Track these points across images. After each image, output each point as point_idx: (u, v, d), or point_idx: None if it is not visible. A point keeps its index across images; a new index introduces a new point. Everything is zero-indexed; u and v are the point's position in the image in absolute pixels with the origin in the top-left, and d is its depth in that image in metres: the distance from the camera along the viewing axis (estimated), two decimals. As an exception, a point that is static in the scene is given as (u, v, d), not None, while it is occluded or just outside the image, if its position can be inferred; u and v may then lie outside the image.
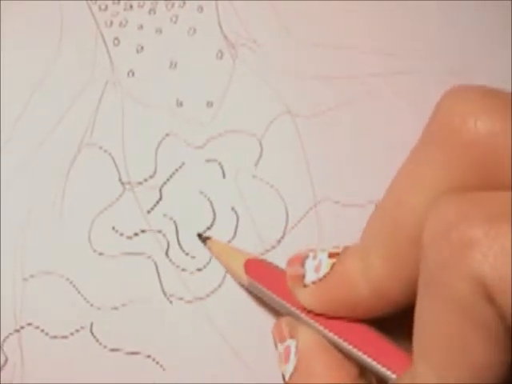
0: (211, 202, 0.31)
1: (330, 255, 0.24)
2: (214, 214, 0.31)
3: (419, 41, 0.33)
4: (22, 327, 0.30)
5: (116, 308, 0.30)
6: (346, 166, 0.31)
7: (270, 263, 0.28)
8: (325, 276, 0.24)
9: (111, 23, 0.32)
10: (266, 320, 0.30)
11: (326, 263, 0.24)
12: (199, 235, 0.31)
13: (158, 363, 0.30)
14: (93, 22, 0.32)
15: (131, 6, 0.32)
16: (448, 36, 0.33)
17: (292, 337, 0.25)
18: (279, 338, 0.26)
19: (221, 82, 0.32)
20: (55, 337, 0.30)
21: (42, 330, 0.30)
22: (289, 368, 0.25)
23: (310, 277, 0.24)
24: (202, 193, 0.31)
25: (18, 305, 0.30)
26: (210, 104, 0.32)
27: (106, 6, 0.32)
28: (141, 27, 0.32)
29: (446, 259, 0.18)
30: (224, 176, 0.31)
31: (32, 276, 0.30)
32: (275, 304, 0.27)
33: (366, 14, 0.33)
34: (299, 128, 0.32)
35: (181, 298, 0.30)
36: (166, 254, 0.30)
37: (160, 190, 0.31)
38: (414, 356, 0.20)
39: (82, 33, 0.32)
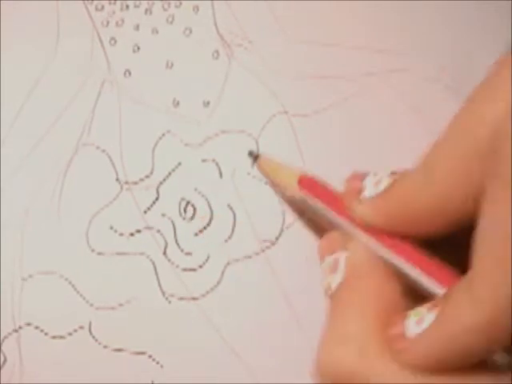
0: (208, 201, 0.31)
1: (392, 174, 0.25)
2: (212, 213, 0.31)
3: (414, 39, 0.33)
4: (21, 327, 0.30)
5: (114, 307, 0.30)
6: (341, 164, 0.32)
7: (323, 182, 0.29)
8: (385, 189, 0.24)
9: (107, 23, 0.32)
10: (266, 319, 0.30)
11: (387, 180, 0.24)
12: (250, 153, 0.31)
13: (156, 362, 0.30)
14: (89, 21, 0.32)
15: (127, 6, 0.32)
16: (443, 33, 0.33)
17: (342, 248, 0.25)
18: (329, 249, 0.26)
19: (217, 82, 0.32)
20: (54, 336, 0.30)
21: (41, 330, 0.30)
22: (336, 278, 0.25)
23: (370, 191, 0.25)
24: (199, 192, 0.31)
25: (16, 305, 0.30)
26: (206, 104, 0.32)
27: (103, 6, 0.32)
28: (137, 27, 0.32)
29: None
30: (221, 175, 0.31)
31: (30, 276, 0.30)
32: (327, 220, 0.27)
33: (361, 13, 0.33)
34: (295, 127, 0.32)
35: (179, 297, 0.30)
36: (164, 252, 0.31)
37: (157, 190, 0.31)
38: (473, 260, 0.20)
39: (79, 33, 0.32)
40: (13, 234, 0.30)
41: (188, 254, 0.31)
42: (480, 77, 0.33)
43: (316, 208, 0.27)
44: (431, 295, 0.23)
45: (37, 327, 0.30)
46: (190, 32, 0.33)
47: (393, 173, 0.25)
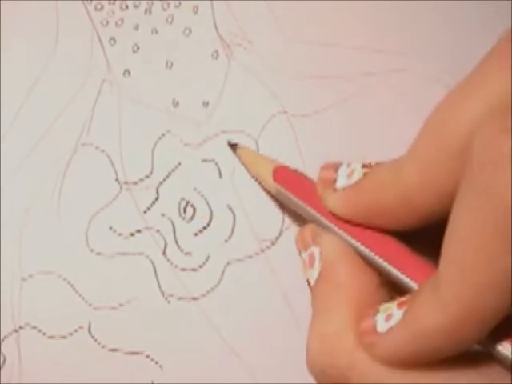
0: (208, 202, 0.31)
1: (364, 166, 0.25)
2: (211, 213, 0.31)
3: (414, 39, 0.33)
4: (21, 327, 0.30)
5: (114, 308, 0.30)
6: (341, 164, 0.32)
7: (299, 172, 0.28)
8: (356, 181, 0.24)
9: (107, 23, 0.32)
10: (265, 319, 0.30)
11: (359, 171, 0.24)
12: (228, 142, 0.31)
13: (156, 362, 0.30)
14: (89, 21, 0.32)
15: (127, 6, 0.32)
16: (443, 33, 0.33)
17: (316, 243, 0.25)
18: (303, 245, 0.26)
19: (216, 82, 0.32)
20: (53, 337, 0.30)
21: (40, 330, 0.30)
22: (314, 274, 0.25)
23: (342, 182, 0.25)
24: (198, 192, 0.31)
25: (16, 305, 0.30)
26: (206, 104, 0.32)
27: (102, 6, 0.32)
28: (137, 27, 0.32)
29: (495, 162, 0.18)
30: (220, 175, 0.31)
31: (30, 276, 0.30)
32: (301, 211, 0.27)
33: (361, 13, 0.33)
34: (295, 127, 0.32)
35: (178, 297, 0.30)
36: (164, 253, 0.31)
37: (157, 190, 0.31)
38: (440, 261, 0.20)
39: (78, 32, 0.32)
40: (12, 234, 0.30)
41: (188, 254, 0.31)
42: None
43: (291, 200, 0.27)
44: (404, 288, 0.23)
45: (36, 327, 0.30)
46: (190, 32, 0.33)
47: (366, 165, 0.25)
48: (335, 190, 0.25)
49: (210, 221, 0.31)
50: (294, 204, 0.27)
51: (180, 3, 0.33)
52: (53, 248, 0.30)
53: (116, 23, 0.32)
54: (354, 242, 0.24)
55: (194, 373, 0.30)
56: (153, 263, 0.30)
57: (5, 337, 0.30)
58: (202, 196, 0.31)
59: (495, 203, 0.18)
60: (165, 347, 0.30)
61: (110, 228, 0.31)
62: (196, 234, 0.31)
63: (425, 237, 0.23)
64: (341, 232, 0.25)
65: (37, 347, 0.30)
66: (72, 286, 0.30)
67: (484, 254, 0.18)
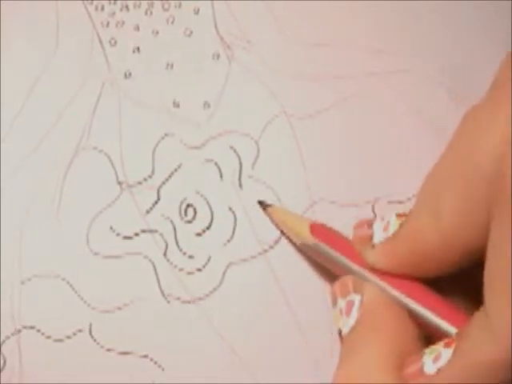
0: (209, 203, 0.31)
1: (399, 215, 0.25)
2: (212, 215, 0.31)
3: (414, 39, 0.33)
4: (21, 329, 0.30)
5: (115, 309, 0.30)
6: (342, 165, 0.32)
7: (333, 228, 0.29)
8: (394, 234, 0.25)
9: (108, 24, 0.32)
10: (266, 321, 0.30)
11: (395, 222, 0.25)
12: (260, 202, 0.31)
13: (156, 363, 0.30)
14: (89, 22, 0.32)
15: (127, 7, 0.32)
16: (443, 34, 0.33)
17: (357, 292, 0.26)
18: (342, 293, 0.26)
19: (217, 83, 0.32)
20: (54, 339, 0.30)
21: (41, 332, 0.30)
22: (349, 321, 0.25)
23: (379, 236, 0.25)
24: (199, 193, 0.31)
25: (16, 307, 0.30)
26: (206, 105, 0.32)
27: (103, 7, 0.32)
28: (137, 28, 0.32)
29: None
30: (221, 176, 0.31)
31: (30, 278, 0.30)
32: (339, 265, 0.27)
33: (361, 14, 0.33)
34: (295, 128, 0.32)
35: (179, 299, 0.30)
36: (164, 254, 0.31)
37: (158, 191, 0.31)
38: (485, 295, 0.20)
39: (79, 33, 0.32)
40: (12, 235, 0.30)
41: (189, 255, 0.31)
42: (480, 77, 0.33)
43: (329, 254, 0.28)
44: (443, 336, 0.23)
45: (37, 329, 0.30)
46: (191, 33, 0.32)
47: (399, 215, 0.25)
48: (373, 246, 0.25)
49: (211, 222, 0.31)
50: (331, 258, 0.28)
51: (181, 4, 0.33)
52: (53, 249, 0.30)
53: (116, 24, 0.32)
54: (394, 292, 0.25)
55: (195, 373, 0.30)
56: (153, 264, 0.30)
57: (5, 338, 0.30)
58: (203, 197, 0.31)
59: None
60: (165, 348, 0.30)
61: (111, 229, 0.31)
62: (197, 236, 0.31)
63: (456, 283, 0.24)
64: (381, 283, 0.25)
65: (37, 349, 0.30)
66: (73, 287, 0.30)
67: None
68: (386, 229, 0.25)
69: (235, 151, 0.31)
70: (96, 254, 0.30)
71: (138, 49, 0.32)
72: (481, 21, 0.34)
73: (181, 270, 0.30)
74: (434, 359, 0.22)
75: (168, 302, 0.30)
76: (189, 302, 0.30)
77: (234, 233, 0.31)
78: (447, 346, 0.22)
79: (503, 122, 0.21)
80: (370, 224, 0.26)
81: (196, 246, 0.31)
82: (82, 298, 0.30)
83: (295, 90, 0.32)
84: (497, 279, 0.20)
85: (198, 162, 0.31)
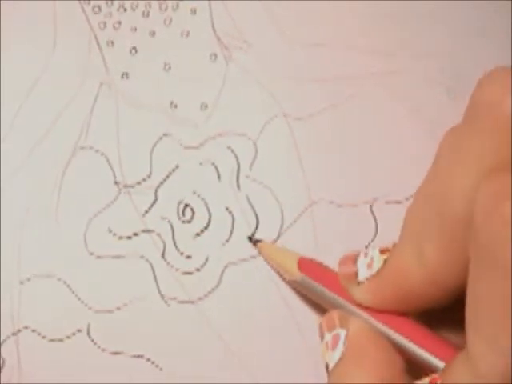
0: (206, 204, 0.31)
1: (382, 251, 0.25)
2: (210, 216, 0.31)
3: (413, 39, 0.33)
4: (20, 330, 0.30)
5: (113, 310, 0.30)
6: (340, 166, 0.32)
7: (321, 263, 0.29)
8: (378, 271, 0.24)
9: (105, 25, 0.32)
10: (264, 321, 0.30)
11: (378, 259, 0.25)
12: (249, 238, 0.31)
13: (155, 364, 0.30)
14: (86, 24, 0.32)
15: (125, 8, 0.32)
16: (442, 34, 0.33)
17: (342, 326, 0.26)
18: (329, 327, 0.26)
19: (215, 84, 0.32)
20: (52, 340, 0.30)
21: (39, 333, 0.30)
22: (335, 356, 0.25)
23: (364, 273, 0.25)
24: (197, 194, 0.31)
25: (15, 308, 0.30)
26: (204, 106, 0.32)
27: (100, 8, 0.32)
28: (134, 29, 0.32)
29: (498, 232, 0.18)
30: (219, 177, 0.31)
31: (29, 279, 0.30)
32: (326, 300, 0.27)
33: (360, 14, 0.33)
34: (293, 129, 0.32)
35: (177, 299, 0.30)
36: (163, 255, 0.31)
37: (155, 192, 0.31)
38: (467, 336, 0.20)
39: (76, 35, 0.32)
40: (11, 236, 0.30)
41: (186, 256, 0.31)
42: (479, 77, 0.33)
43: (316, 289, 0.28)
44: (431, 370, 0.23)
45: (35, 330, 0.30)
46: (188, 34, 0.32)
47: (382, 250, 0.25)
48: (359, 283, 0.25)
49: (209, 223, 0.31)
50: (318, 293, 0.28)
51: (178, 5, 0.33)
52: (52, 250, 0.30)
53: (114, 26, 0.32)
54: (380, 325, 0.25)
55: (193, 374, 0.30)
56: (152, 265, 0.30)
57: (4, 339, 0.30)
58: (201, 198, 0.31)
59: (505, 272, 0.18)
60: (164, 349, 0.30)
61: (109, 230, 0.31)
62: (195, 236, 0.31)
63: (442, 315, 0.24)
64: (368, 317, 0.25)
65: (36, 350, 0.30)
66: (71, 288, 0.30)
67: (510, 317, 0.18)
68: (370, 266, 0.25)
69: (233, 152, 0.32)
70: (94, 254, 0.30)
71: (136, 49, 0.32)
72: (481, 21, 0.34)
73: (179, 270, 0.30)
74: None
75: (166, 302, 0.30)
76: (187, 303, 0.30)
77: (231, 233, 0.31)
78: (432, 382, 0.22)
79: (474, 161, 0.21)
80: (354, 260, 0.26)
81: (194, 247, 0.31)
82: (80, 299, 0.30)
83: (293, 91, 0.32)
84: (479, 322, 0.19)
85: (196, 162, 0.31)
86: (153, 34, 0.32)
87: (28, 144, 0.31)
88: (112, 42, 0.32)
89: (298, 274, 0.29)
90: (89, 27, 0.32)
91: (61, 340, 0.30)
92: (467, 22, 0.34)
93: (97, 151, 0.31)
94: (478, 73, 0.32)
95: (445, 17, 0.34)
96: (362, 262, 0.25)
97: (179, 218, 0.31)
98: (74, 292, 0.30)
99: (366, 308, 0.25)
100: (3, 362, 0.29)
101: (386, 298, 0.24)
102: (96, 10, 0.32)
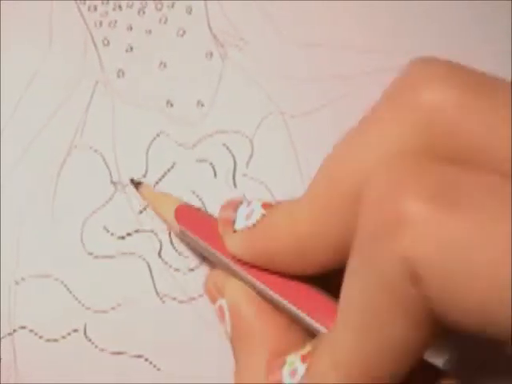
0: (203, 202, 0.31)
1: (264, 205, 0.23)
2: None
3: (411, 38, 0.33)
4: (15, 330, 0.29)
5: (109, 309, 0.30)
6: (336, 164, 0.32)
7: (203, 211, 0.28)
8: (254, 224, 0.23)
9: (100, 24, 0.32)
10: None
11: (258, 212, 0.23)
12: (131, 180, 0.30)
13: (152, 364, 0.30)
14: (82, 22, 0.32)
15: (120, 7, 0.32)
16: (442, 33, 0.33)
17: (222, 295, 0.25)
18: (210, 298, 0.25)
19: (211, 82, 0.32)
20: (49, 339, 0.30)
21: (36, 333, 0.30)
22: (227, 328, 0.24)
23: (240, 223, 0.24)
24: (193, 192, 0.31)
25: (11, 308, 0.30)
26: (200, 104, 0.32)
27: (95, 7, 0.32)
28: (130, 28, 0.32)
29: (378, 231, 0.17)
30: (215, 175, 0.31)
31: (25, 278, 0.30)
32: (207, 253, 0.26)
33: (357, 13, 0.33)
34: (289, 127, 0.32)
35: (174, 298, 0.30)
36: (159, 254, 0.30)
37: (152, 191, 0.31)
38: (337, 316, 0.19)
39: (72, 34, 0.32)
40: (6, 235, 0.30)
41: (183, 255, 0.30)
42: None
43: (195, 242, 0.26)
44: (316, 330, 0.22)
45: (31, 330, 0.29)
46: (184, 32, 0.32)
47: (264, 204, 0.23)
48: (235, 231, 0.24)
49: (206, 221, 0.31)
50: (198, 246, 0.26)
51: (173, 3, 0.33)
52: (47, 250, 0.30)
53: (109, 24, 0.32)
54: (256, 283, 0.23)
55: (191, 373, 0.30)
56: (148, 264, 0.30)
57: (0, 339, 0.29)
58: (197, 196, 0.31)
59: (380, 278, 0.17)
60: (161, 348, 0.30)
61: (105, 229, 0.31)
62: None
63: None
64: (243, 274, 0.24)
65: (32, 349, 0.29)
66: (67, 287, 0.30)
67: (377, 321, 0.18)
68: (249, 216, 0.23)
69: (229, 150, 0.31)
70: (90, 254, 0.30)
71: (131, 48, 0.32)
72: (480, 21, 0.34)
73: (176, 269, 0.30)
74: (291, 374, 0.21)
75: (163, 301, 0.30)
76: (184, 302, 0.30)
77: (228, 232, 0.31)
78: (303, 360, 0.21)
79: (377, 138, 0.19)
80: (235, 207, 0.24)
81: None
82: (76, 298, 0.30)
83: (289, 89, 0.32)
84: (348, 316, 0.18)
85: (192, 161, 0.31)
86: (149, 32, 0.32)
87: (23, 143, 0.31)
88: (108, 41, 0.32)
89: (175, 225, 0.27)
90: (85, 26, 0.32)
91: (57, 339, 0.30)
92: (467, 21, 0.34)
93: (92, 150, 0.31)
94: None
95: (442, 16, 0.34)
96: (242, 211, 0.24)
97: (176, 217, 0.31)
98: (70, 291, 0.30)
99: (244, 264, 0.24)
100: (-1, 361, 0.29)
101: (255, 253, 0.23)
102: (92, 9, 0.32)
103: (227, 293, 0.24)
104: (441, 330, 0.17)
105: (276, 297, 0.23)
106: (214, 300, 0.25)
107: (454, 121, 0.17)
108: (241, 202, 0.25)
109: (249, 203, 0.24)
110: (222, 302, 0.25)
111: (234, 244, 0.24)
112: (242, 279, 0.24)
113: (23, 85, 0.31)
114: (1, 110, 0.31)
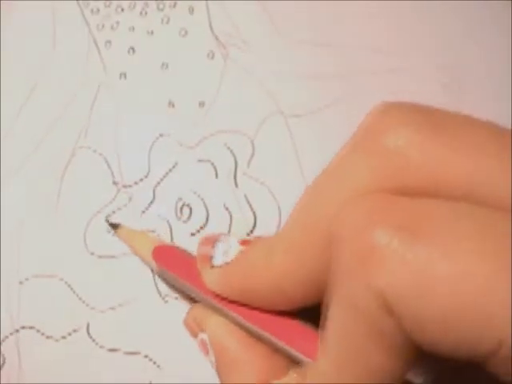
0: (204, 202, 0.31)
1: (241, 242, 0.24)
2: (208, 214, 0.31)
3: (411, 38, 0.33)
4: (19, 329, 0.30)
5: (112, 308, 0.30)
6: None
7: (181, 249, 0.28)
8: (231, 261, 0.23)
9: (103, 26, 0.32)
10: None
11: (235, 249, 0.24)
12: (107, 221, 0.30)
13: (154, 362, 0.30)
14: (85, 25, 0.32)
15: (122, 9, 0.32)
16: (442, 33, 0.33)
17: (203, 330, 0.25)
18: (191, 332, 0.26)
19: (212, 83, 0.32)
20: (52, 338, 0.30)
21: (39, 332, 0.30)
22: (211, 359, 0.25)
23: (218, 259, 0.24)
24: (195, 193, 0.31)
25: (15, 307, 0.30)
26: (202, 104, 0.32)
27: (98, 9, 0.32)
28: (132, 29, 0.32)
29: (350, 265, 0.17)
30: (217, 176, 0.31)
31: (29, 278, 0.30)
32: (186, 289, 0.26)
33: (357, 13, 0.33)
34: (291, 127, 0.32)
35: (176, 298, 0.30)
36: (161, 254, 0.31)
37: (153, 191, 0.31)
38: (319, 347, 0.20)
39: (74, 36, 0.32)
40: (11, 236, 0.31)
41: (184, 254, 0.31)
42: (478, 77, 0.32)
43: (174, 280, 0.27)
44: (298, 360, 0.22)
45: (35, 329, 0.30)
46: (186, 33, 0.33)
47: (242, 241, 0.24)
48: (212, 267, 0.24)
49: (207, 221, 0.31)
50: (178, 283, 0.27)
51: (175, 4, 0.33)
52: (51, 250, 0.31)
53: (112, 26, 0.32)
54: (238, 318, 0.24)
55: (193, 373, 0.30)
56: (150, 264, 0.31)
57: (4, 338, 0.30)
58: (199, 196, 0.31)
59: (356, 311, 0.17)
60: (163, 347, 0.30)
61: (108, 230, 0.31)
62: (193, 235, 0.31)
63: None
64: (224, 309, 0.24)
65: (36, 348, 0.30)
66: (70, 287, 0.30)
67: (355, 352, 0.18)
68: (226, 252, 0.24)
69: (230, 150, 0.32)
70: (93, 254, 0.31)
71: (133, 49, 0.32)
72: (480, 20, 0.33)
73: (177, 269, 0.31)
74: None
75: (165, 301, 0.30)
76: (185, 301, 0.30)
77: (229, 231, 0.31)
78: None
79: (347, 180, 0.19)
80: (214, 242, 0.25)
81: (192, 245, 0.31)
82: (79, 298, 0.30)
83: (291, 89, 0.32)
84: (330, 348, 0.19)
85: (194, 161, 0.31)
86: (151, 33, 0.32)
87: (28, 144, 0.31)
88: (110, 42, 0.32)
89: (154, 265, 0.28)
90: (87, 29, 0.32)
91: (60, 338, 0.30)
92: (467, 21, 0.33)
93: (96, 152, 0.31)
94: (477, 72, 0.32)
95: (444, 16, 0.33)
96: (219, 248, 0.24)
97: (177, 217, 0.31)
98: (73, 291, 0.30)
99: (223, 299, 0.24)
100: (3, 360, 0.30)
101: (233, 289, 0.23)
102: (95, 11, 0.32)
103: (208, 327, 0.25)
104: (419, 354, 0.18)
105: (256, 329, 0.23)
106: (194, 334, 0.26)
107: (416, 162, 0.18)
108: (219, 238, 0.25)
109: (226, 239, 0.25)
110: (204, 336, 0.25)
111: (212, 280, 0.24)
112: (221, 314, 0.24)
113: (27, 88, 0.32)
114: (5, 112, 0.32)
